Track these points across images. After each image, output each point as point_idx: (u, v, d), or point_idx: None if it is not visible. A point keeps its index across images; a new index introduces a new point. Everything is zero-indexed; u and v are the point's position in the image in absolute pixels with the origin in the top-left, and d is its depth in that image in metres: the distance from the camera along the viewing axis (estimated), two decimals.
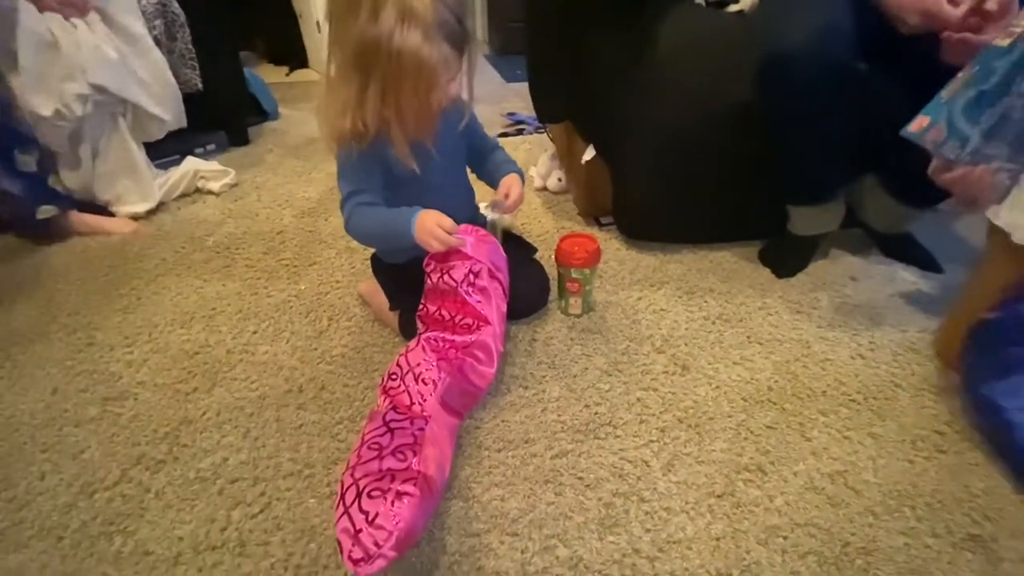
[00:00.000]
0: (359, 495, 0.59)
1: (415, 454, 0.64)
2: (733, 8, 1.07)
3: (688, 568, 0.60)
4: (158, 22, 1.41)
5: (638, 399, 0.82)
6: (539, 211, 1.35)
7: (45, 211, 1.24)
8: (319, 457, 0.74)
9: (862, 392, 0.82)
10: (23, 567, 0.62)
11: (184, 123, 1.44)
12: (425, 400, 0.73)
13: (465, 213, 0.90)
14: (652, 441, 0.75)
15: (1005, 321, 0.73)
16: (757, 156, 0.99)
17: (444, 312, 0.83)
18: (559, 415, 0.79)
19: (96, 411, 0.82)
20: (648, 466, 0.72)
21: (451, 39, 0.69)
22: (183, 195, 1.45)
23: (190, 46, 1.51)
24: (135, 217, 1.33)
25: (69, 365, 0.91)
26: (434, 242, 0.76)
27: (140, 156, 1.35)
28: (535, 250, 1.05)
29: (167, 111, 1.36)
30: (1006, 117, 0.67)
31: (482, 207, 0.91)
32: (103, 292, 1.09)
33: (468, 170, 0.95)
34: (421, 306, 0.85)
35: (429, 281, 0.83)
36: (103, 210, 1.34)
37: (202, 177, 1.47)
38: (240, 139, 1.78)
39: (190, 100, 1.45)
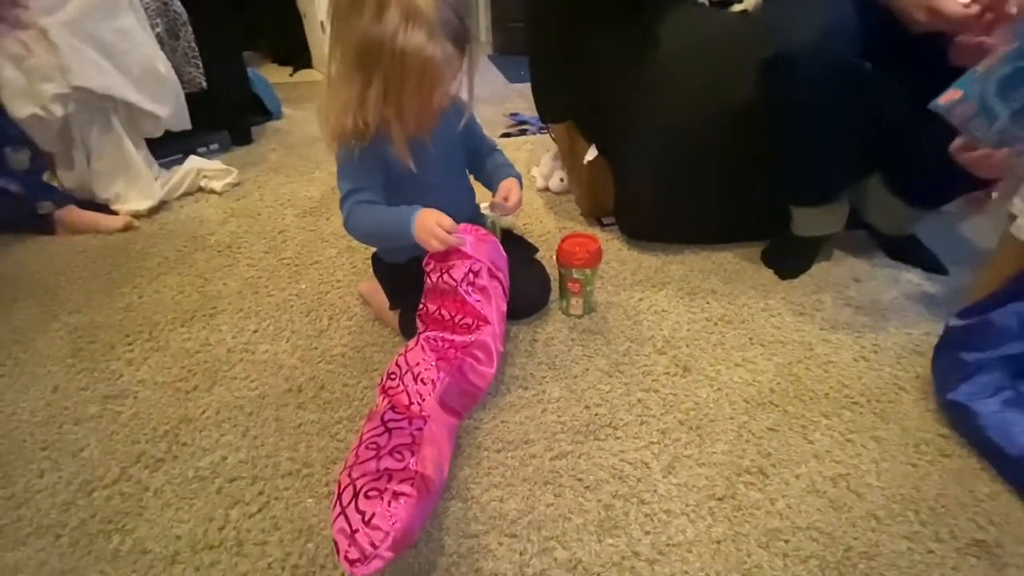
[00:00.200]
0: (356, 495, 0.58)
1: (413, 454, 0.64)
2: (737, 7, 1.06)
3: (688, 571, 0.60)
4: (159, 21, 1.42)
5: (639, 400, 0.81)
6: (541, 211, 1.35)
7: (44, 207, 1.25)
8: (318, 456, 0.73)
9: (865, 395, 0.81)
10: (21, 564, 0.62)
11: (188, 125, 1.44)
12: (424, 400, 0.72)
13: (465, 212, 0.89)
14: (652, 443, 0.75)
15: (966, 328, 0.75)
16: (760, 156, 0.99)
17: (444, 312, 0.82)
18: (559, 416, 0.79)
19: (96, 409, 0.82)
20: (648, 468, 0.71)
21: (454, 38, 0.69)
22: (186, 194, 1.45)
23: (193, 45, 1.51)
24: (137, 215, 1.33)
25: (70, 363, 0.91)
26: (434, 241, 0.75)
27: (137, 154, 1.34)
28: (536, 250, 1.04)
29: (163, 107, 1.34)
30: None
31: (482, 207, 0.91)
32: (105, 290, 1.09)
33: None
34: (421, 305, 0.85)
35: (429, 280, 0.83)
36: (105, 208, 1.34)
37: (205, 176, 1.47)
38: (243, 138, 1.78)
39: (194, 99, 1.46)
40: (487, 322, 0.79)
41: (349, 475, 0.61)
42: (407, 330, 0.90)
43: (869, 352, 0.89)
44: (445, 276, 0.80)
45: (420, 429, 0.68)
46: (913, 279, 1.06)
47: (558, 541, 0.63)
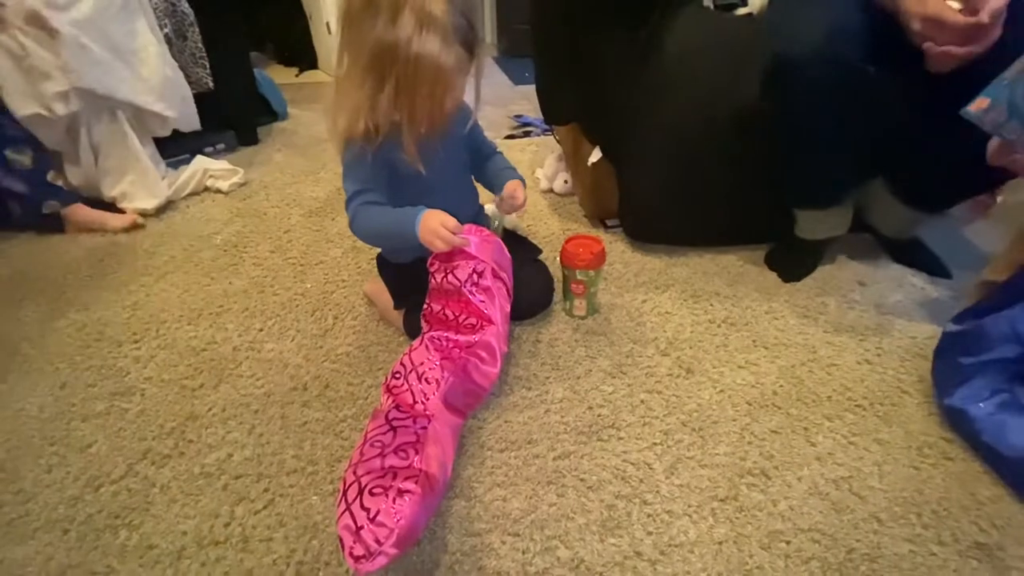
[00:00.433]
0: (361, 492, 0.59)
1: (417, 452, 0.64)
2: (742, 11, 1.07)
3: (690, 572, 0.60)
4: (167, 21, 1.43)
5: (642, 401, 0.81)
6: (545, 213, 1.35)
7: (49, 207, 1.26)
8: (323, 454, 0.74)
9: (868, 397, 0.81)
10: (29, 559, 0.63)
11: (197, 126, 1.45)
12: (428, 399, 0.73)
13: (468, 213, 0.90)
14: (655, 444, 0.75)
15: (963, 332, 0.75)
16: (764, 159, 0.99)
17: (448, 312, 0.83)
18: (562, 416, 0.79)
19: (103, 406, 0.83)
20: (651, 469, 0.72)
21: (464, 42, 0.70)
22: (192, 193, 1.46)
23: (200, 45, 1.52)
24: (143, 214, 1.34)
25: (78, 360, 0.92)
26: (438, 242, 0.76)
27: (144, 152, 1.35)
28: (540, 251, 1.05)
29: (170, 107, 1.35)
30: None
31: (486, 207, 0.91)
32: (112, 288, 1.10)
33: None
34: (425, 305, 0.85)
35: (433, 281, 0.83)
36: (112, 207, 1.35)
37: (211, 176, 1.48)
38: (249, 139, 1.79)
39: (201, 99, 1.47)
40: (491, 322, 0.80)
41: (354, 472, 0.62)
42: (411, 330, 0.91)
43: (873, 355, 0.89)
44: (449, 276, 0.80)
45: (424, 428, 0.68)
46: (917, 283, 1.06)
47: (561, 540, 0.63)
